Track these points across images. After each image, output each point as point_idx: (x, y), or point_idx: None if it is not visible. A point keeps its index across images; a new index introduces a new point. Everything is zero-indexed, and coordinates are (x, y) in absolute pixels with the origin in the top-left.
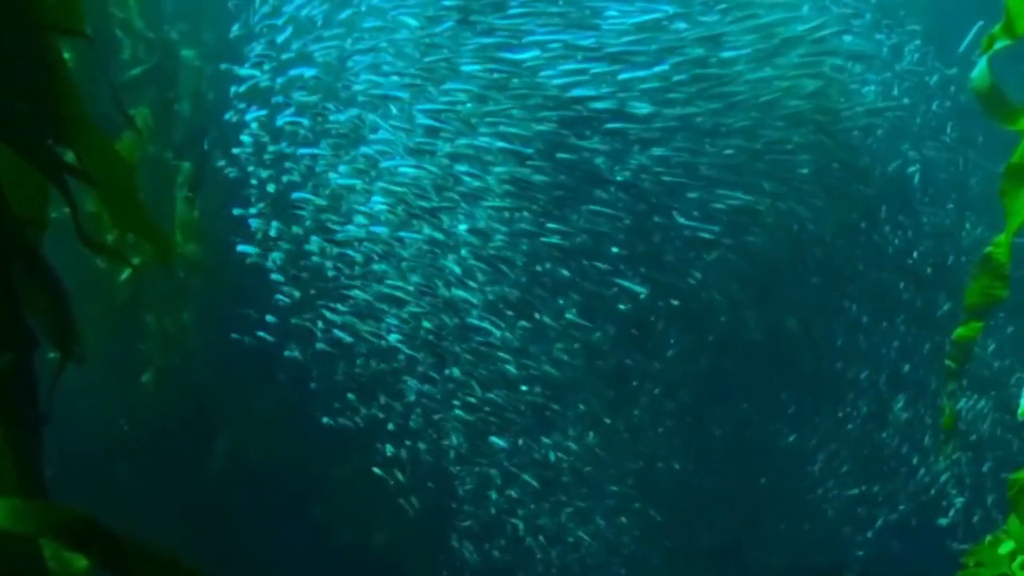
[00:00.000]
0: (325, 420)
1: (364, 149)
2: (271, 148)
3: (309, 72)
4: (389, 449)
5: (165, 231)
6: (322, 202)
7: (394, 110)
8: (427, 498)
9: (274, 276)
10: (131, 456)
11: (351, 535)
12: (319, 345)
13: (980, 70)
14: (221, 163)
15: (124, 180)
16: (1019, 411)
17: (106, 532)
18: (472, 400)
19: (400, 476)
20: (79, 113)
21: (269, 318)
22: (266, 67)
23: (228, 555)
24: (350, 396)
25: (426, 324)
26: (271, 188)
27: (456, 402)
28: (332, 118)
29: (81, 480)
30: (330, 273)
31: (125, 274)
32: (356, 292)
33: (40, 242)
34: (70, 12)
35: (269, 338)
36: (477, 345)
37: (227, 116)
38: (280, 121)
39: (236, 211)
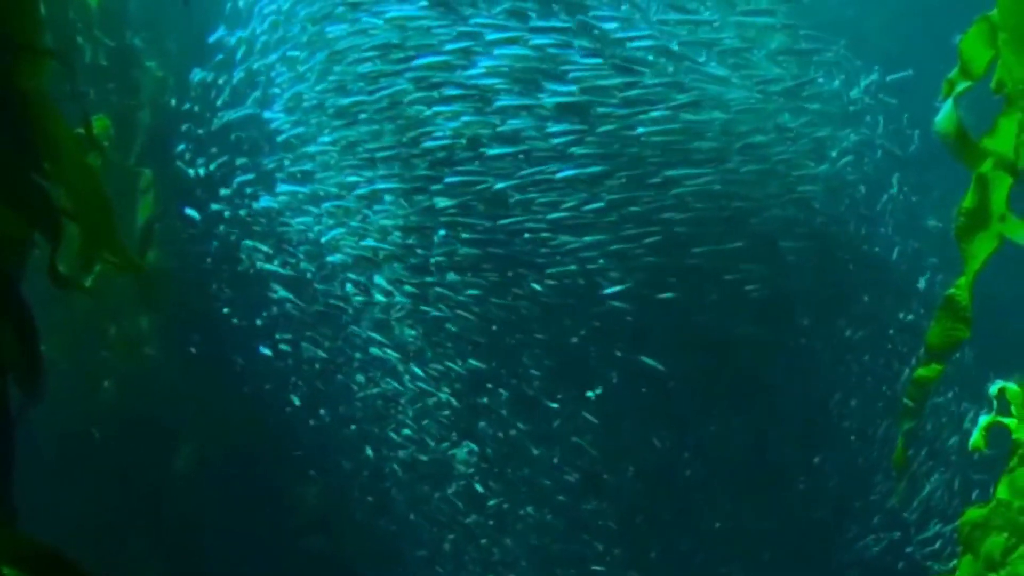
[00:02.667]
0: (292, 425)
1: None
2: (233, 155)
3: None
4: (355, 457)
5: (129, 241)
6: (282, 209)
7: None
8: (395, 507)
9: (240, 282)
10: (96, 462)
11: (317, 543)
12: (285, 350)
13: (945, 113)
14: (183, 169)
15: (98, 201)
16: (971, 441)
17: (71, 566)
18: (440, 413)
19: (368, 484)
20: (57, 133)
21: (236, 323)
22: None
23: (193, 561)
24: (317, 402)
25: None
26: (232, 194)
27: (424, 413)
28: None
29: (44, 486)
30: (293, 281)
31: (88, 284)
32: (324, 299)
33: (21, 273)
34: (30, 25)
35: (235, 344)
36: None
37: (191, 123)
38: (243, 126)
39: (198, 217)
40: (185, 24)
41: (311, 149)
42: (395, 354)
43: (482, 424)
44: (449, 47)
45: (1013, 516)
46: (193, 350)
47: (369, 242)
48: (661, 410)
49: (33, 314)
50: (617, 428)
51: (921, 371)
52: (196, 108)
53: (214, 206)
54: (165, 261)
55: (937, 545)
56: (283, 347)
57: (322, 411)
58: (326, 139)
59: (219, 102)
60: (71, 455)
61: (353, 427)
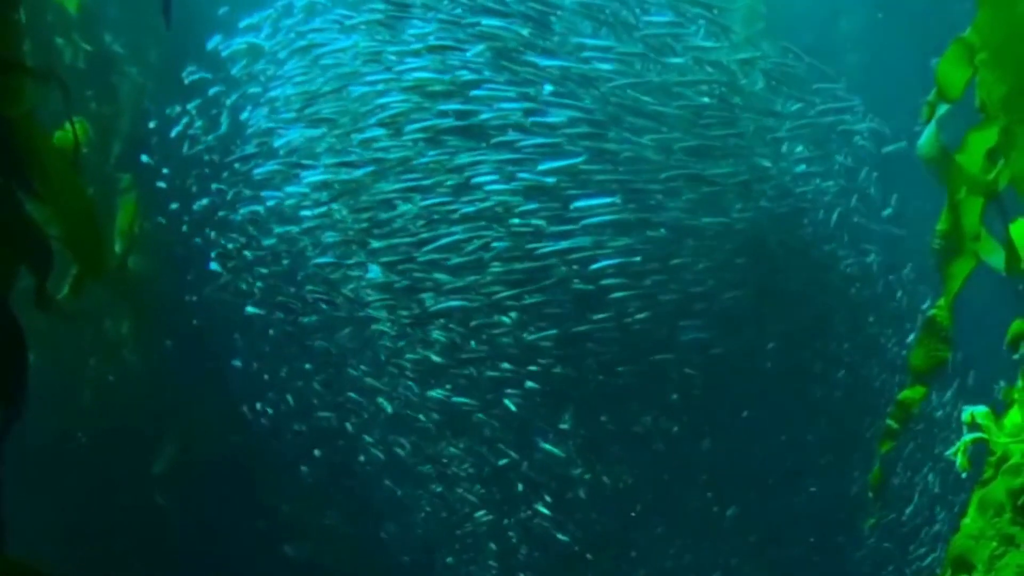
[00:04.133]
0: (274, 432)
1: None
2: (210, 160)
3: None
4: (337, 464)
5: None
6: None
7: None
8: (377, 514)
9: (219, 285)
10: (74, 464)
11: (299, 549)
12: (266, 356)
13: (927, 137)
14: (162, 174)
15: (90, 226)
16: (957, 463)
17: None
18: (424, 415)
19: (350, 491)
20: (47, 156)
21: (215, 327)
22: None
23: (175, 568)
24: (299, 409)
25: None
26: (211, 198)
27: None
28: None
29: (24, 487)
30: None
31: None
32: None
33: (8, 290)
34: (10, 44)
35: (216, 349)
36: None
37: (170, 128)
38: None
39: (177, 221)
40: (165, 32)
41: (288, 158)
42: (375, 363)
43: (465, 432)
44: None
45: (1003, 526)
46: (173, 355)
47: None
48: (646, 428)
49: (23, 331)
50: (601, 446)
51: (906, 393)
52: (176, 114)
53: (193, 211)
54: (145, 266)
55: (928, 561)
56: (261, 355)
57: (304, 417)
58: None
59: (199, 111)
60: (51, 461)
61: (335, 433)
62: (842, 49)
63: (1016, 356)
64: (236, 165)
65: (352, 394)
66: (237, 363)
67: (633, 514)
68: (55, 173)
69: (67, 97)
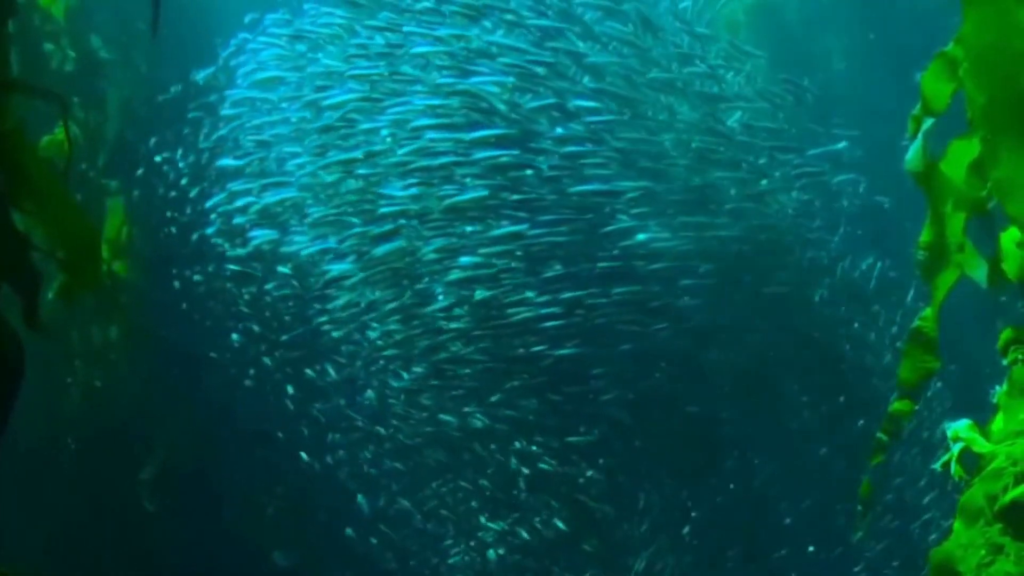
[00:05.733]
0: (261, 439)
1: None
2: (201, 170)
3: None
4: (326, 470)
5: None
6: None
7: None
8: (365, 522)
9: (206, 291)
10: (62, 470)
11: (286, 558)
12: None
13: (914, 151)
14: (150, 181)
15: (85, 240)
16: (952, 471)
17: None
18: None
19: (339, 499)
20: (37, 173)
21: (202, 333)
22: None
23: (160, 572)
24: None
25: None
26: (199, 204)
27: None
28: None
29: (11, 493)
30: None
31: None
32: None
33: None
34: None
35: (200, 354)
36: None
37: (157, 134)
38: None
39: (164, 228)
40: (154, 40)
41: (279, 164)
42: (362, 367)
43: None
44: None
45: (992, 535)
46: (162, 360)
47: (346, 265)
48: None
49: (21, 345)
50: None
51: (895, 405)
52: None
53: (181, 219)
54: (131, 272)
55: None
56: (249, 361)
57: (293, 424)
58: (295, 154)
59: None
60: (39, 467)
61: (323, 440)
62: (828, 61)
63: (1005, 362)
64: (222, 171)
65: (320, 408)
66: (226, 367)
67: (622, 524)
68: (44, 188)
69: (65, 111)
